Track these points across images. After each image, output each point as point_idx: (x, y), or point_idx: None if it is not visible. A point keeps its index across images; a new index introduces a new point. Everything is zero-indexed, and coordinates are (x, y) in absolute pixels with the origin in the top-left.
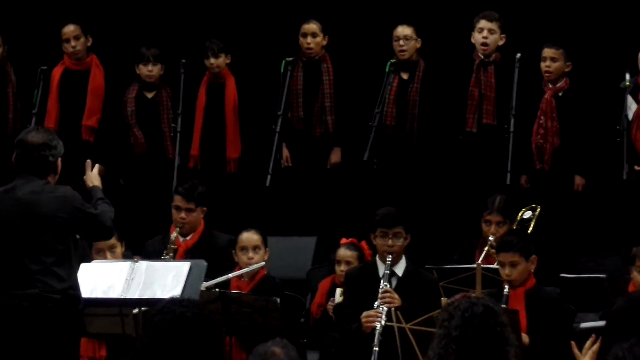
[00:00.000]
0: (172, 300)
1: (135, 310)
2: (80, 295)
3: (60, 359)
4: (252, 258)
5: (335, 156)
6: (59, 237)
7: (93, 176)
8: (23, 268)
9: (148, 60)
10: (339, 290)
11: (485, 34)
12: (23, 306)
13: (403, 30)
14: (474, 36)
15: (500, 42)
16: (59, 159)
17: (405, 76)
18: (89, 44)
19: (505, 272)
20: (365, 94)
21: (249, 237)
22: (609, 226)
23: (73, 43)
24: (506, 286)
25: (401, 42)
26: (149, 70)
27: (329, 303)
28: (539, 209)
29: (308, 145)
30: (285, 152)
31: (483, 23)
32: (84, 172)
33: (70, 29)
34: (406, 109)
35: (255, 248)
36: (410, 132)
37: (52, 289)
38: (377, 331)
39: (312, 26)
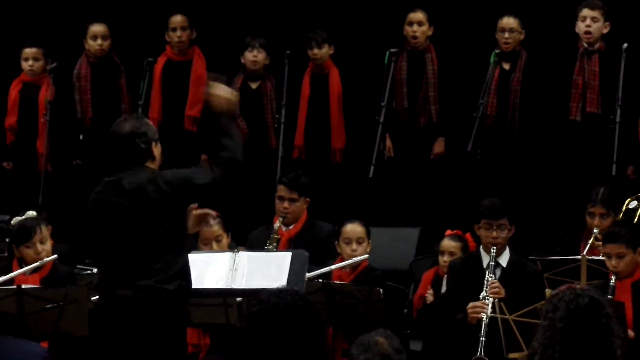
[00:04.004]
0: (272, 291)
1: (239, 299)
2: (191, 285)
3: (170, 349)
4: (356, 250)
5: (439, 146)
6: (170, 227)
7: (226, 92)
8: (135, 258)
9: (254, 46)
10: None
11: (589, 22)
12: (136, 297)
13: (508, 22)
14: (578, 25)
15: (605, 30)
16: (153, 144)
17: (506, 66)
18: (193, 37)
19: (612, 263)
20: (468, 84)
21: (353, 228)
22: None
23: (179, 33)
24: (613, 277)
25: (506, 34)
26: (254, 55)
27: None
28: None
29: (412, 135)
30: (388, 143)
31: (586, 11)
32: (188, 162)
33: (178, 18)
34: (507, 99)
35: (359, 240)
36: (512, 122)
37: (165, 279)
38: (484, 322)
39: (419, 15)
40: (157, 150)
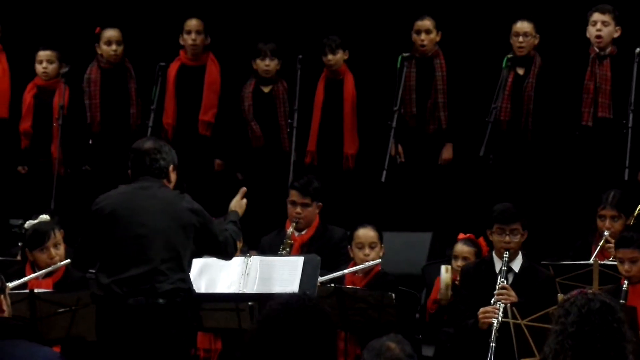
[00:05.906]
0: (284, 294)
1: (251, 303)
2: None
3: (179, 352)
4: (369, 255)
5: (447, 152)
6: (188, 239)
7: (239, 204)
8: (157, 266)
9: (265, 55)
10: (443, 278)
11: (599, 26)
12: (158, 303)
13: (523, 26)
14: (589, 30)
15: (616, 35)
16: (172, 167)
17: (520, 71)
18: (207, 42)
19: (625, 268)
20: (479, 90)
21: (366, 233)
22: None
23: (194, 36)
24: (625, 282)
25: (520, 38)
26: (266, 64)
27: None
28: None
29: (422, 141)
30: (399, 149)
31: (596, 16)
32: (203, 167)
33: (193, 22)
34: (521, 105)
35: (371, 244)
36: (525, 127)
37: (183, 285)
38: (494, 327)
39: (426, 23)
40: (173, 175)
